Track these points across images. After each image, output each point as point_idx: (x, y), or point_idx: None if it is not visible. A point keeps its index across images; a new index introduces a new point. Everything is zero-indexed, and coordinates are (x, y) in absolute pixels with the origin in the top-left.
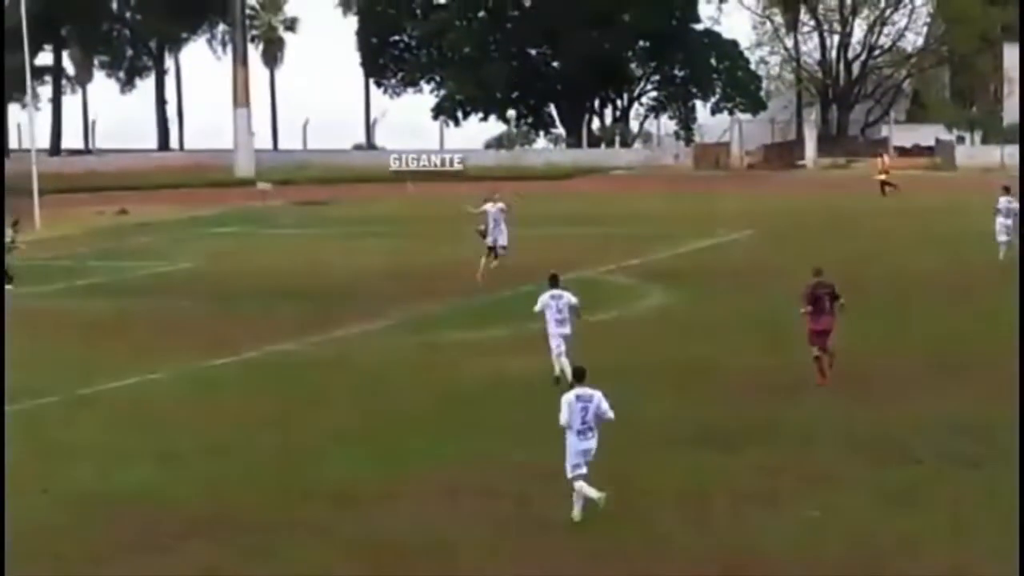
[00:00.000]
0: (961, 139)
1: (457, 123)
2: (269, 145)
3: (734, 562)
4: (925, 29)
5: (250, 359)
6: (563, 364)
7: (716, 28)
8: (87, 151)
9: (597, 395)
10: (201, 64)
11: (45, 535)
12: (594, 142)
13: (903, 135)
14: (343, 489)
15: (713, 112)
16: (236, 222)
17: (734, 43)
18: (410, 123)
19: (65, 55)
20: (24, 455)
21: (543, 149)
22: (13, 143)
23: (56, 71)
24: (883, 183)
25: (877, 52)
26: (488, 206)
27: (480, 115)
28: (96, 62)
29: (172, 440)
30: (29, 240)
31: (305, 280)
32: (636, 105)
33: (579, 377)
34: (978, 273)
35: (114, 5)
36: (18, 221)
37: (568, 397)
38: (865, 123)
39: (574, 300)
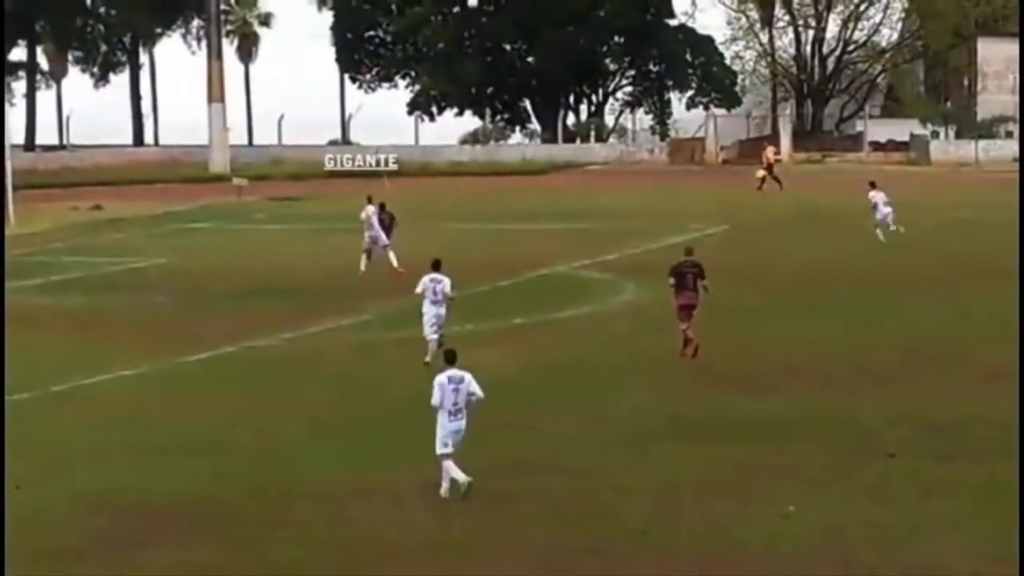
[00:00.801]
0: (936, 134)
1: (432, 118)
2: (244, 140)
3: (709, 558)
4: (899, 24)
5: (226, 355)
6: (433, 346)
7: (691, 23)
8: (61, 147)
9: (468, 377)
10: (176, 59)
11: (19, 532)
12: (569, 137)
13: (878, 130)
14: (319, 485)
15: (688, 107)
16: (211, 218)
17: (709, 38)
18: (385, 118)
19: (39, 50)
20: None
21: (518, 144)
22: None
23: (30, 66)
24: (763, 178)
25: (852, 47)
26: (369, 208)
27: (455, 110)
28: (70, 57)
29: (147, 436)
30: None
31: (280, 276)
32: (611, 100)
33: (450, 360)
34: (950, 267)
35: (88, 0)
36: None
37: (440, 379)
38: (840, 118)
39: (449, 287)
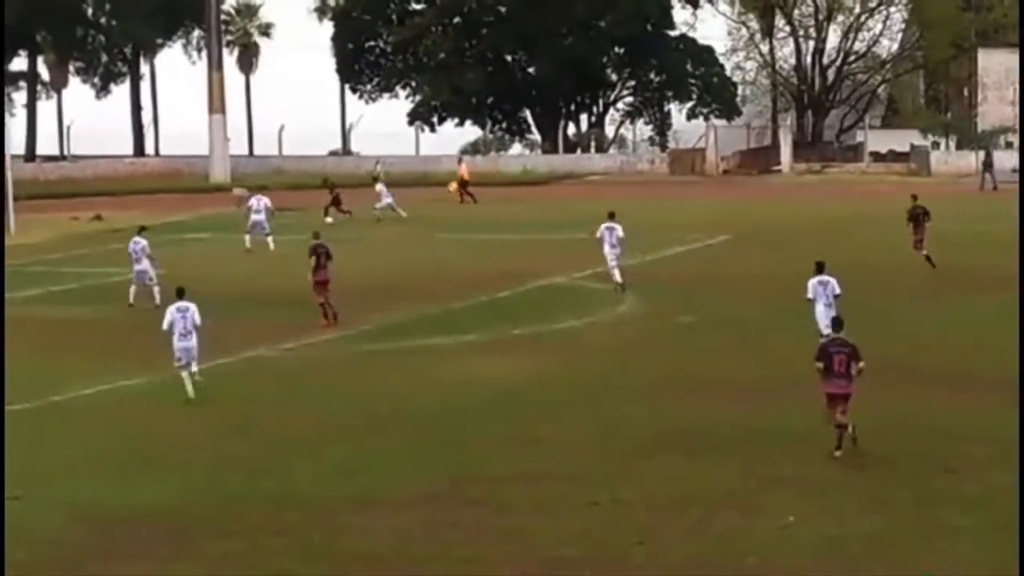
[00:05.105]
0: (936, 145)
1: (433, 128)
2: (245, 151)
3: (708, 569)
4: (900, 35)
5: (224, 365)
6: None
7: (691, 34)
8: (62, 157)
9: (192, 307)
10: (176, 70)
11: (15, 541)
12: (570, 148)
13: (878, 141)
14: (313, 495)
15: (688, 118)
16: (211, 228)
17: (709, 49)
18: (386, 129)
19: (40, 60)
20: None
21: (519, 155)
22: None
23: (31, 77)
24: (462, 191)
25: (852, 58)
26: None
27: (456, 120)
28: (71, 68)
29: (143, 447)
30: (4, 247)
31: (280, 286)
32: (611, 111)
33: (180, 295)
34: (949, 275)
35: (89, 11)
36: None
37: (170, 309)
38: (840, 129)
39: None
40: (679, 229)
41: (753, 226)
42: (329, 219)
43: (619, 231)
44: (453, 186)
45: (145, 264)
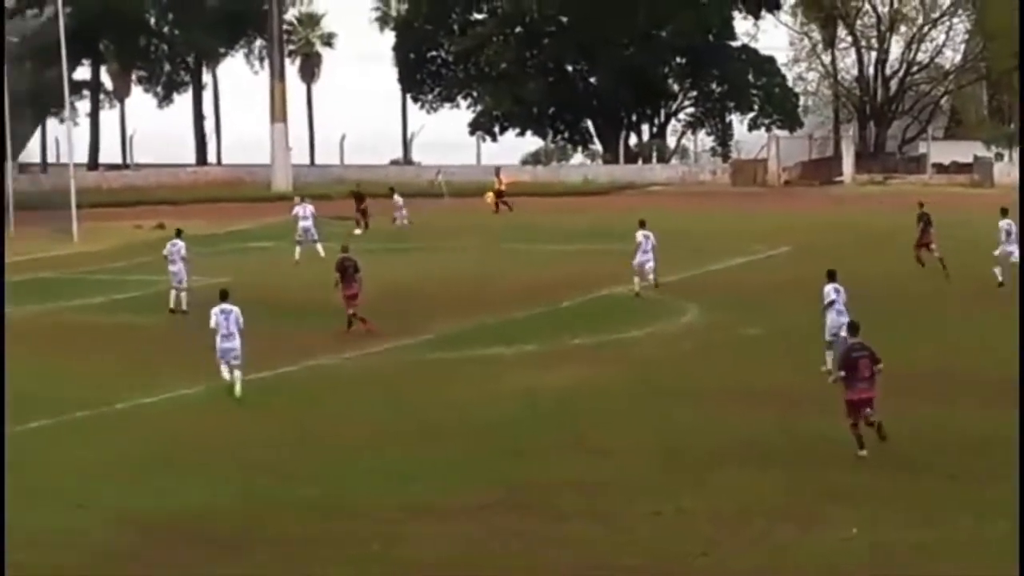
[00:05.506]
0: (1000, 156)
1: (494, 138)
2: (306, 160)
3: None
4: (963, 46)
5: (285, 374)
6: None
7: (753, 44)
8: (125, 166)
9: (236, 309)
10: (238, 79)
11: (68, 547)
12: (631, 158)
13: (941, 152)
14: (366, 503)
15: (750, 128)
16: (273, 237)
17: (771, 59)
18: (447, 139)
19: (103, 70)
20: (58, 469)
21: (580, 165)
22: (51, 158)
23: (94, 86)
24: (498, 201)
25: (915, 69)
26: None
27: (517, 130)
28: (134, 77)
29: (206, 455)
30: (67, 255)
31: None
32: (673, 121)
33: (223, 297)
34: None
35: (152, 20)
36: None
37: (214, 311)
38: (903, 140)
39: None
40: (741, 240)
41: (814, 237)
42: (358, 230)
43: (653, 238)
44: (490, 196)
45: (179, 266)
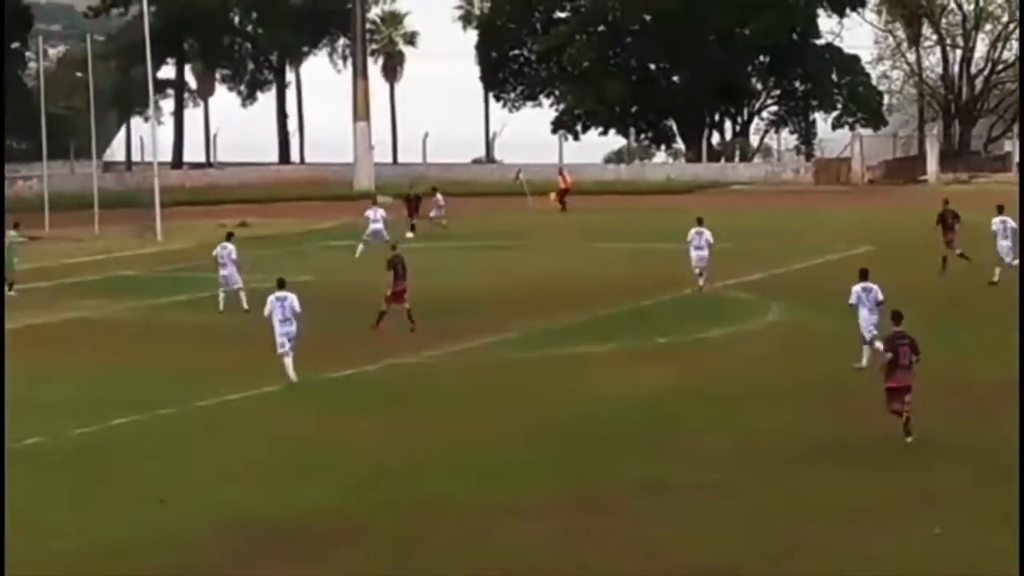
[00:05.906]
0: None
1: (576, 137)
2: (389, 159)
3: None
4: None
5: (367, 373)
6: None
7: (837, 42)
8: (209, 164)
9: (292, 296)
10: (321, 78)
11: (156, 550)
12: (714, 157)
13: None
14: (456, 503)
15: (834, 127)
16: (355, 236)
17: (855, 58)
18: (529, 137)
19: (187, 68)
20: (142, 465)
21: (662, 164)
22: (136, 156)
23: (178, 85)
24: (562, 199)
25: (1000, 67)
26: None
27: (599, 129)
28: (218, 76)
29: (288, 453)
30: (151, 253)
31: (424, 294)
32: (756, 119)
33: (281, 285)
34: None
35: (236, 19)
36: (18, 224)
37: (270, 298)
38: (988, 138)
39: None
40: (824, 238)
41: (898, 236)
42: (410, 234)
43: (707, 235)
44: (552, 196)
45: (231, 269)
